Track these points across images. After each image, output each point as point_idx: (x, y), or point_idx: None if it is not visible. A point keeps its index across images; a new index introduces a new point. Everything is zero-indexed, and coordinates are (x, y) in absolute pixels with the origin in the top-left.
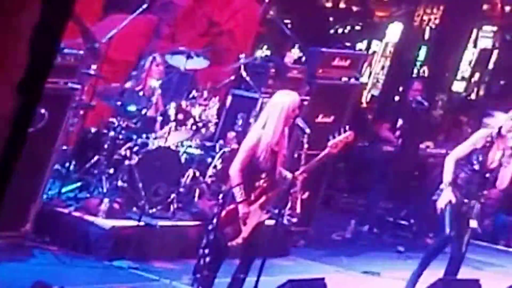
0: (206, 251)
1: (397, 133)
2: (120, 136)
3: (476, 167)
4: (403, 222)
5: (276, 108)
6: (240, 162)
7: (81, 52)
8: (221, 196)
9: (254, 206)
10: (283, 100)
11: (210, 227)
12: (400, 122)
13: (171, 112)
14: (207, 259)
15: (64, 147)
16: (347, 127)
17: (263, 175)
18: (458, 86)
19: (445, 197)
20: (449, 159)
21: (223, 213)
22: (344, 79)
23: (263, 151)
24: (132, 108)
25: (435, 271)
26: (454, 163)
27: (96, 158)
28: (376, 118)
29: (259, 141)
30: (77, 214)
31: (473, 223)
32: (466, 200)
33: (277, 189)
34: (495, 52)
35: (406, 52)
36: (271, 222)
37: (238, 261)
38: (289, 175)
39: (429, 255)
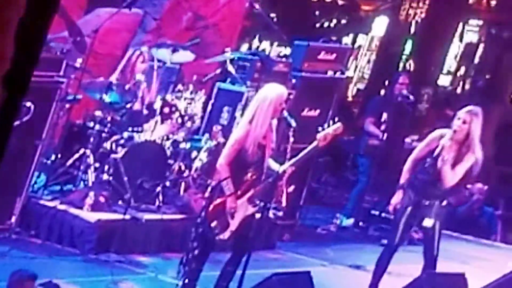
0: (195, 244)
1: (382, 127)
2: (106, 130)
3: (431, 168)
4: (388, 215)
5: (263, 101)
6: (227, 156)
7: (67, 45)
8: (209, 189)
9: (242, 199)
10: (271, 94)
11: (198, 220)
12: (384, 116)
13: (157, 105)
14: (196, 252)
15: (50, 140)
16: (336, 119)
17: (251, 169)
18: (444, 80)
19: (394, 200)
20: (408, 161)
21: (211, 206)
22: (330, 73)
23: (250, 144)
24: (118, 101)
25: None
26: (411, 165)
27: (81, 151)
28: (362, 112)
29: (247, 135)
30: (62, 207)
31: (428, 222)
32: (424, 201)
33: (265, 183)
34: (481, 46)
35: (392, 46)
36: (257, 215)
37: (230, 254)
38: (278, 168)
39: (381, 265)
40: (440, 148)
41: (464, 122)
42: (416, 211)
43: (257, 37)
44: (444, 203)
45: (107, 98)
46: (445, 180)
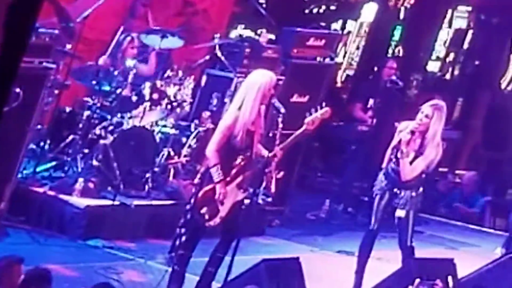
0: (183, 230)
1: (370, 112)
2: (95, 116)
3: (396, 160)
4: None
5: (252, 87)
6: (216, 143)
7: (56, 31)
8: (198, 176)
9: (231, 185)
10: (260, 80)
11: (187, 207)
12: (371, 101)
13: (146, 91)
14: (183, 238)
15: (39, 127)
16: (323, 104)
17: (240, 155)
18: (433, 66)
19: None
20: (389, 147)
21: (201, 193)
22: (319, 59)
23: (239, 131)
24: (107, 87)
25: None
26: (390, 152)
27: (71, 137)
28: (351, 98)
29: (235, 121)
30: (51, 193)
31: (400, 213)
32: (396, 190)
33: (254, 169)
34: (470, 32)
35: (381, 32)
36: (247, 201)
37: (218, 240)
38: (266, 153)
39: (364, 250)
40: (397, 141)
41: (426, 116)
42: (391, 199)
43: (245, 23)
44: (414, 193)
45: (96, 83)
46: (402, 173)
